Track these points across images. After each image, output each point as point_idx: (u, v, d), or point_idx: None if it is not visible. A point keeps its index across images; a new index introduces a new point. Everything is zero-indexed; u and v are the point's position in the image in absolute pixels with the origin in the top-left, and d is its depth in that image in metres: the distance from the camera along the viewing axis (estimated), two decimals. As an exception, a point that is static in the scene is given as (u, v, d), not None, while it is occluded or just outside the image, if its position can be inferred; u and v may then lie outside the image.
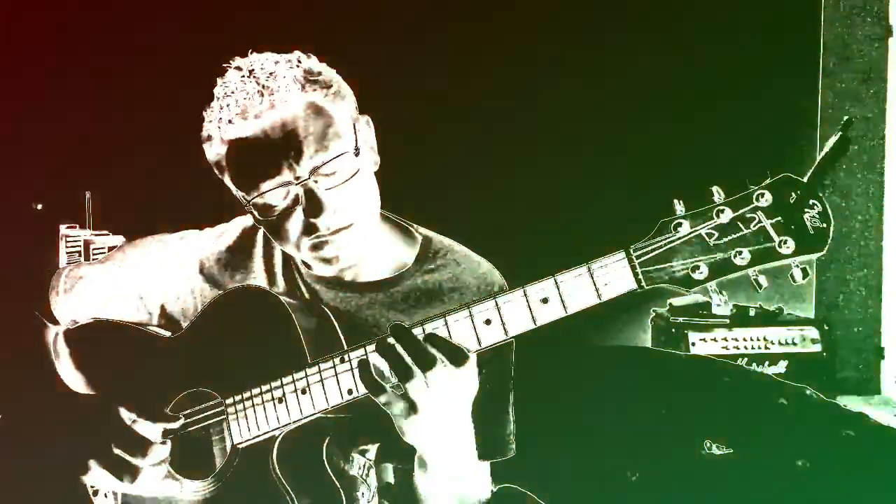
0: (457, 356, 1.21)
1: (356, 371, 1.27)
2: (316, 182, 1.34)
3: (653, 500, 2.01)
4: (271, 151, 1.33)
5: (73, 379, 1.50)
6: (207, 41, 2.65)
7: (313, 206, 1.34)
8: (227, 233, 1.58)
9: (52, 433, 1.41)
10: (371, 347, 1.28)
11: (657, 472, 2.02)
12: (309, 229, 1.37)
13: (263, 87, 1.33)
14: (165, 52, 2.87)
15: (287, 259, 1.53)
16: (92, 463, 1.36)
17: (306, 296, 1.50)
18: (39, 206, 3.03)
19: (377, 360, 1.25)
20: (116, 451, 1.36)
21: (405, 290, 1.49)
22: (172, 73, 2.76)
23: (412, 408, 1.24)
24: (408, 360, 1.21)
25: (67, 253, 2.96)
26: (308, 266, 1.51)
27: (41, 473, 1.40)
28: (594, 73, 3.13)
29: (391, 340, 1.23)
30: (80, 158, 2.97)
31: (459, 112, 3.05)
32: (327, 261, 1.41)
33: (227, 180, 1.42)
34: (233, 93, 1.34)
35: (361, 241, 1.42)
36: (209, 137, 1.40)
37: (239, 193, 1.41)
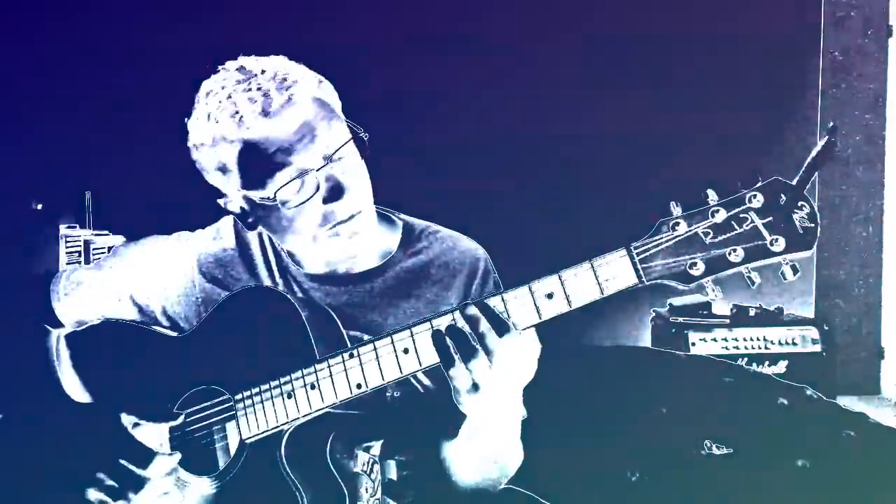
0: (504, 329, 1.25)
1: (433, 340, 1.28)
2: (331, 168, 1.37)
3: (653, 500, 2.01)
4: (288, 145, 1.35)
5: (76, 382, 1.49)
6: (208, 41, 2.66)
7: (335, 189, 1.36)
8: (223, 231, 1.58)
9: (55, 443, 1.40)
10: (382, 342, 1.30)
11: (657, 472, 2.03)
12: (327, 218, 1.38)
13: (282, 82, 1.36)
14: (165, 52, 2.87)
15: (279, 257, 1.54)
16: (99, 475, 1.36)
17: (298, 294, 1.51)
18: (39, 206, 3.03)
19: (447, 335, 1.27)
20: (121, 461, 1.36)
21: (394, 275, 1.51)
22: (173, 73, 2.77)
23: (475, 386, 1.27)
24: (473, 340, 1.25)
25: (67, 253, 2.96)
26: (297, 264, 1.51)
27: (43, 484, 1.39)
28: (599, 77, 3.14)
29: (458, 319, 1.26)
30: (80, 158, 2.97)
31: (463, 110, 3.05)
32: (343, 248, 1.43)
33: (233, 181, 1.41)
34: (248, 91, 1.36)
35: (369, 228, 1.44)
36: (213, 141, 1.39)
37: (240, 194, 1.41)
